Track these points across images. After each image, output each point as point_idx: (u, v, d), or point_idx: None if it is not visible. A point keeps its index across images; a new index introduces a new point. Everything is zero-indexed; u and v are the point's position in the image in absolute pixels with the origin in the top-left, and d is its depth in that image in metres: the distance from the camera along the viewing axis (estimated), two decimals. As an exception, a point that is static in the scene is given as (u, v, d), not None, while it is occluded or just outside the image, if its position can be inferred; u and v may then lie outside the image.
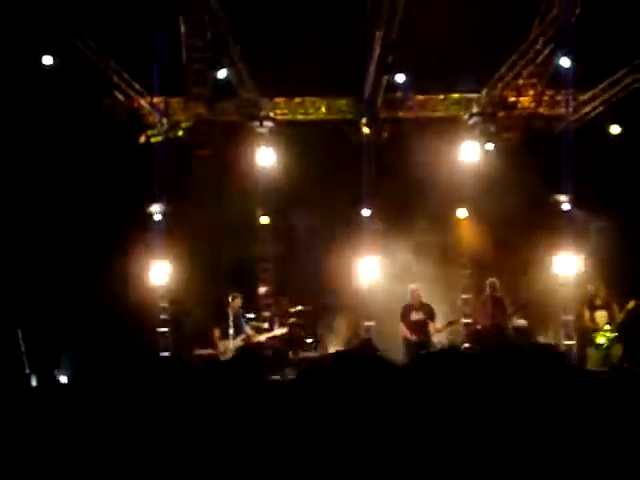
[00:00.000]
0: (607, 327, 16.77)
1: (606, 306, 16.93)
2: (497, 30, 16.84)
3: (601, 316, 16.88)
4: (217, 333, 16.96)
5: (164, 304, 19.02)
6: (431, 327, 17.25)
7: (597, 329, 16.84)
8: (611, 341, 16.62)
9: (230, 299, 16.96)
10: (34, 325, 16.74)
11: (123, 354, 16.35)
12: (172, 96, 19.18)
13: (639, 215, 18.25)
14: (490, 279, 18.08)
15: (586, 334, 17.30)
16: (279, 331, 17.68)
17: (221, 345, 16.75)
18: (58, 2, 15.89)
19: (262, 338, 17.31)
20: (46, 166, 17.69)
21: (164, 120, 19.05)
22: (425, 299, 17.63)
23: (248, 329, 17.30)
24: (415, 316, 17.29)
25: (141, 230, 18.52)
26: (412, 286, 17.63)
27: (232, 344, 16.67)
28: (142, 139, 18.65)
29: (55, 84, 17.08)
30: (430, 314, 17.34)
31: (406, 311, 17.39)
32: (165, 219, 18.83)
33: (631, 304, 16.38)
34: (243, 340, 16.94)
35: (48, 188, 17.73)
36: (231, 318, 16.74)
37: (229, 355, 16.63)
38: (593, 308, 17.10)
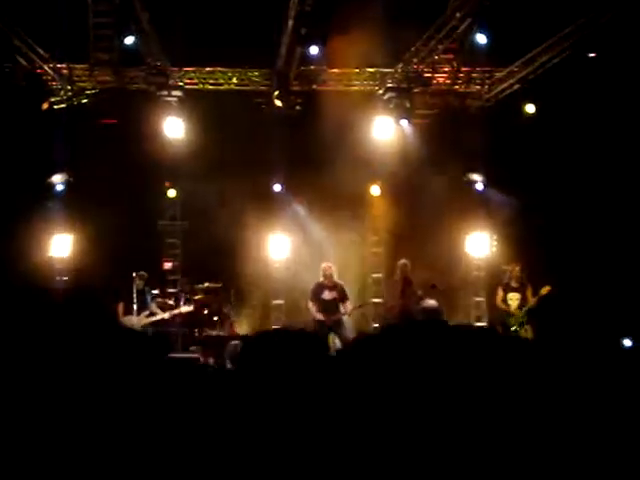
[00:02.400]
0: (518, 310, 16.61)
1: (520, 288, 16.76)
2: (414, 3, 16.55)
3: (514, 298, 16.71)
4: (121, 308, 16.53)
5: (64, 278, 18.40)
6: (341, 308, 16.77)
7: (508, 311, 16.69)
8: (520, 325, 16.47)
9: (134, 274, 16.52)
10: None
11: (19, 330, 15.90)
12: (77, 62, 18.47)
13: (554, 196, 18.15)
14: (402, 261, 17.73)
15: (498, 315, 17.17)
16: (184, 308, 17.25)
17: (125, 321, 16.28)
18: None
19: (166, 315, 16.87)
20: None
21: (68, 87, 18.36)
22: (337, 278, 17.20)
23: (153, 306, 16.91)
24: (327, 295, 16.74)
25: (41, 201, 17.91)
26: (325, 264, 17.05)
27: (136, 320, 16.27)
28: (45, 106, 17.91)
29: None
30: (342, 294, 16.78)
31: (317, 290, 16.74)
32: (67, 190, 18.23)
33: (544, 290, 16.24)
34: (147, 317, 16.53)
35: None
36: (135, 294, 16.34)
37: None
38: (507, 289, 16.94)
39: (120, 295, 16.62)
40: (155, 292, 17.70)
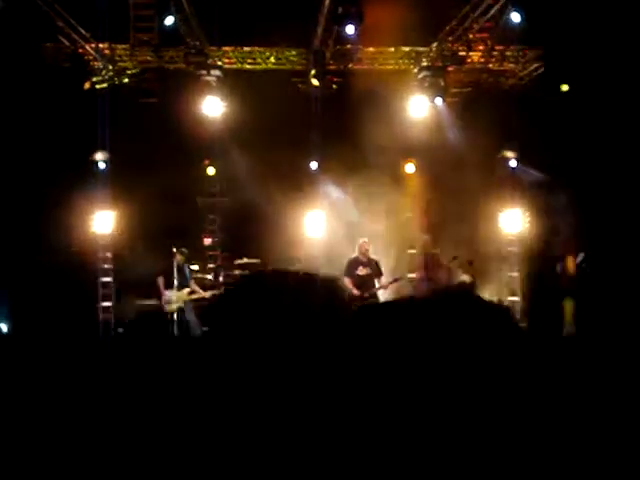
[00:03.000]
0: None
1: (560, 258, 16.93)
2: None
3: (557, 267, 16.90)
4: (161, 282, 16.85)
5: (107, 253, 18.82)
6: (377, 283, 17.02)
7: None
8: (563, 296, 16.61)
9: (174, 250, 16.84)
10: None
11: (64, 305, 16.35)
12: (118, 42, 18.82)
13: (586, 173, 18.28)
14: (423, 237, 18.16)
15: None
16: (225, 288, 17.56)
17: (166, 295, 16.64)
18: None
19: (207, 294, 17.18)
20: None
21: (109, 66, 18.70)
22: (372, 254, 17.45)
23: (193, 283, 17.20)
24: (362, 271, 16.98)
25: (85, 179, 18.29)
26: (361, 240, 17.29)
27: (176, 296, 16.60)
28: (87, 85, 18.29)
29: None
30: (377, 270, 17.01)
31: (352, 265, 16.99)
32: (109, 168, 18.59)
33: (580, 257, 16.42)
34: (189, 294, 16.84)
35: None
36: (175, 270, 16.65)
37: (173, 306, 16.56)
38: (549, 261, 17.17)
39: (161, 270, 16.89)
40: (195, 268, 18.01)
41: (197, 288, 17.10)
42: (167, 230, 17.73)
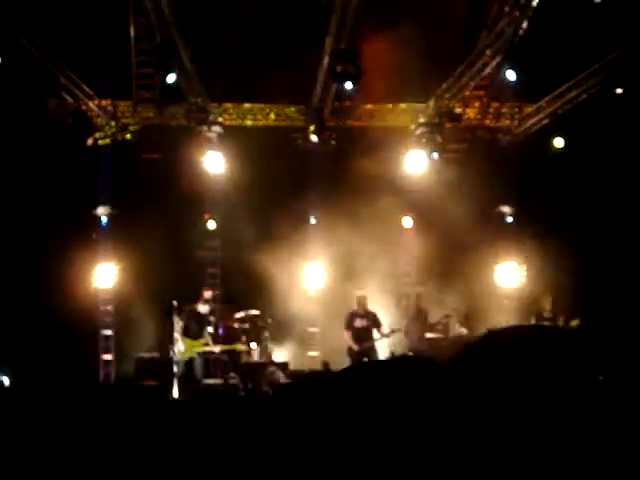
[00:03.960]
0: None
1: (552, 319, 17.05)
2: (445, 42, 17.07)
3: None
4: (180, 328, 16.82)
5: (108, 307, 18.95)
6: (376, 334, 17.19)
7: None
8: None
9: (205, 295, 17.10)
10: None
11: (65, 358, 16.42)
12: (121, 99, 19.12)
13: (583, 228, 18.49)
14: (416, 291, 18.72)
15: None
16: (240, 347, 17.68)
17: (181, 344, 16.64)
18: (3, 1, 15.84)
19: (217, 349, 17.32)
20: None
21: (112, 123, 18.97)
22: (370, 307, 17.64)
23: (207, 334, 17.28)
24: (359, 323, 17.21)
25: (87, 233, 18.48)
26: (359, 292, 17.59)
27: (190, 344, 16.64)
28: (90, 142, 18.54)
29: (0, 84, 16.95)
30: (374, 321, 17.26)
31: (350, 318, 17.28)
32: (111, 222, 18.78)
33: (575, 323, 16.52)
34: (206, 345, 16.89)
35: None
36: (191, 320, 16.76)
37: (187, 356, 16.59)
38: (539, 319, 17.27)
39: (173, 317, 16.88)
40: (211, 319, 18.20)
41: (210, 340, 17.16)
42: (168, 283, 17.88)
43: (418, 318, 18.57)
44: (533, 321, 17.45)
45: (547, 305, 17.25)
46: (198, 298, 17.38)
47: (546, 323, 16.99)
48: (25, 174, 17.71)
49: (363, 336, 17.12)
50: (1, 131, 17.48)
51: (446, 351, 18.07)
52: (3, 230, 17.65)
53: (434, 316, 19.08)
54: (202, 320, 17.09)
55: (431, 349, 18.10)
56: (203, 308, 17.13)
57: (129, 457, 3.87)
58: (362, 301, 17.40)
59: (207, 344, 16.94)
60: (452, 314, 18.73)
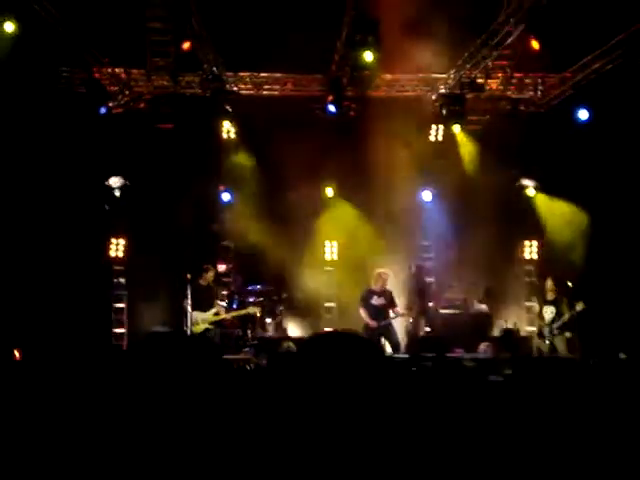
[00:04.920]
0: (552, 323, 16.59)
1: (555, 301, 16.75)
2: (469, 8, 16.65)
3: (549, 311, 16.73)
4: (189, 304, 16.64)
5: (121, 279, 18.76)
6: (390, 313, 16.92)
7: (542, 324, 16.76)
8: (553, 337, 16.48)
9: (204, 271, 16.74)
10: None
11: (76, 331, 16.26)
12: (134, 67, 18.79)
13: (606, 202, 18.13)
14: (416, 263, 18.62)
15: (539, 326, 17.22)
16: (251, 310, 17.37)
17: (194, 315, 16.44)
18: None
19: (229, 316, 17.06)
20: (2, 135, 17.31)
21: (125, 91, 18.66)
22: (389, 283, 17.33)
23: (218, 303, 17.08)
24: (376, 301, 16.92)
25: (100, 204, 18.26)
26: (380, 270, 17.22)
27: (202, 317, 16.45)
28: (102, 110, 18.20)
29: (15, 51, 16.70)
30: (390, 300, 17.02)
31: (367, 296, 16.99)
32: (124, 192, 18.52)
33: (579, 306, 16.17)
34: (214, 315, 16.68)
35: (3, 157, 17.35)
36: (198, 292, 16.54)
37: (201, 327, 16.41)
38: (543, 302, 17.04)
39: (185, 291, 16.66)
40: (224, 292, 17.98)
41: (221, 309, 16.95)
42: (181, 255, 17.66)
43: (418, 293, 18.21)
44: (537, 304, 17.36)
45: (550, 287, 16.90)
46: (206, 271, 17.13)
47: (548, 306, 16.72)
48: (36, 143, 17.46)
49: (380, 314, 16.86)
50: (13, 99, 17.28)
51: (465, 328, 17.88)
52: (15, 200, 17.44)
53: (455, 291, 18.83)
54: (210, 292, 16.78)
55: (446, 326, 17.87)
56: (206, 280, 16.80)
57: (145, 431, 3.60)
58: (382, 279, 17.06)
59: (218, 313, 16.68)
60: (471, 290, 18.41)
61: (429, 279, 18.78)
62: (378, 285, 16.96)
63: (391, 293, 17.09)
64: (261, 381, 3.93)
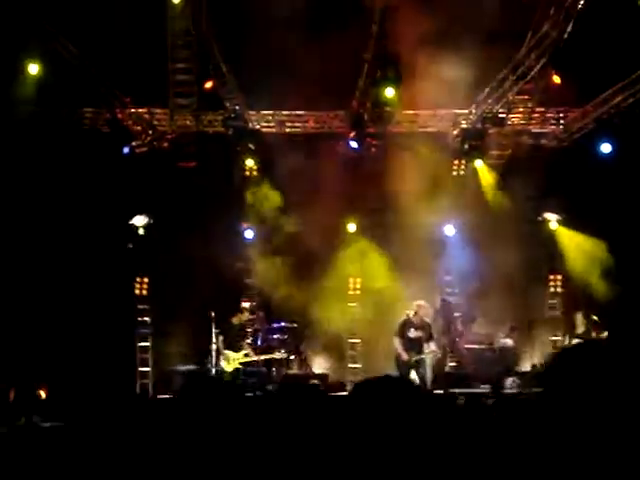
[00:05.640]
0: None
1: (583, 335, 16.78)
2: (489, 45, 16.73)
3: None
4: (221, 342, 16.68)
5: (146, 318, 18.79)
6: (425, 347, 16.68)
7: None
8: None
9: (240, 312, 17.10)
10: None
11: (101, 371, 16.29)
12: (158, 107, 18.93)
13: (631, 236, 18.11)
14: (442, 297, 18.73)
15: None
16: (279, 355, 17.41)
17: (225, 354, 16.47)
18: (42, 9, 15.78)
19: (261, 358, 17.15)
20: (29, 175, 17.45)
21: (149, 131, 18.77)
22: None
23: (246, 345, 17.11)
24: (413, 333, 16.62)
25: (123, 243, 18.31)
26: (419, 302, 16.86)
27: (233, 356, 16.47)
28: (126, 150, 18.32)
29: (39, 92, 16.90)
30: (428, 334, 16.62)
31: (404, 327, 16.57)
32: (148, 232, 18.57)
33: (605, 335, 16.29)
34: (245, 356, 16.71)
35: (29, 198, 17.48)
36: (229, 331, 16.60)
37: (232, 366, 16.43)
38: (572, 336, 17.08)
39: (212, 328, 16.72)
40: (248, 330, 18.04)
41: (250, 350, 16.99)
42: (206, 294, 17.69)
43: (444, 328, 18.14)
44: (566, 338, 17.53)
45: (580, 322, 16.93)
46: (236, 309, 17.20)
47: (578, 340, 16.65)
48: (62, 183, 17.60)
49: (415, 347, 16.44)
50: (39, 139, 17.44)
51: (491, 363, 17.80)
52: (42, 239, 17.55)
53: (480, 326, 18.76)
54: (241, 331, 16.87)
55: (473, 361, 17.79)
56: (240, 319, 16.93)
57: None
58: (421, 311, 16.75)
59: (248, 354, 16.72)
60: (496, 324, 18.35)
61: (456, 314, 18.66)
62: (417, 317, 16.73)
63: (430, 326, 16.77)
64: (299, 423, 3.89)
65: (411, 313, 16.61)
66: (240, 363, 16.55)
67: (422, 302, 16.84)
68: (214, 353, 16.56)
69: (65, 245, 17.58)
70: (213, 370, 16.39)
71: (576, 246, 19.28)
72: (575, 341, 16.78)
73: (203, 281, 17.96)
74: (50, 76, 16.68)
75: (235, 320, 16.70)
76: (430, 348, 16.50)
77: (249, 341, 17.76)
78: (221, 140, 19.05)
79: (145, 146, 18.70)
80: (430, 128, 19.49)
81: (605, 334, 16.41)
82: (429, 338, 16.56)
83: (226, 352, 16.35)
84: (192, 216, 18.20)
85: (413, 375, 16.00)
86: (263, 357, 17.21)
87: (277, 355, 17.40)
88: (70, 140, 17.90)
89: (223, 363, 16.32)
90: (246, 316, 17.04)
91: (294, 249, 18.57)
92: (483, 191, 19.27)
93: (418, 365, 16.26)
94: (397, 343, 16.46)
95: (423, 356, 16.43)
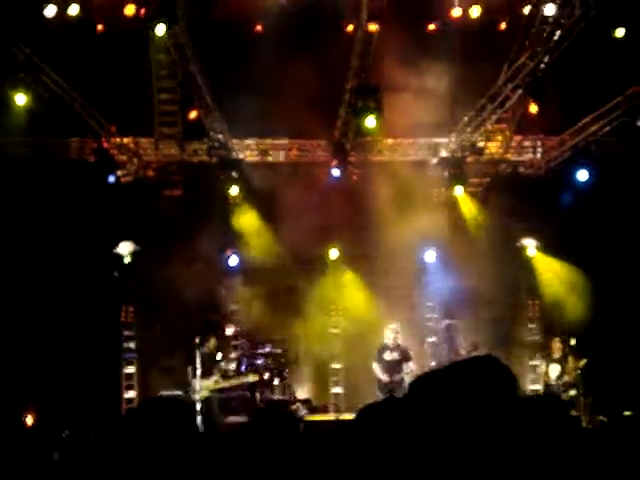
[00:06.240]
0: (556, 381, 16.92)
1: (561, 360, 17.07)
2: (466, 75, 17.11)
3: (554, 369, 17.06)
4: (190, 371, 16.80)
5: (131, 344, 18.93)
6: (405, 367, 17.13)
7: (548, 382, 17.05)
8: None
9: (210, 336, 16.94)
10: None
11: (87, 397, 16.41)
12: (143, 136, 19.17)
13: (608, 264, 18.37)
14: (448, 322, 18.76)
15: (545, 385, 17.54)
16: (251, 378, 17.48)
17: (195, 384, 16.57)
18: (29, 40, 16.04)
19: (227, 384, 17.16)
20: (15, 204, 17.61)
21: (134, 160, 18.99)
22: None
23: (220, 370, 17.17)
24: (389, 355, 17.17)
25: (109, 271, 18.47)
26: (391, 326, 17.54)
27: (203, 384, 16.55)
28: (111, 179, 18.46)
29: (25, 122, 17.08)
30: (404, 355, 17.25)
31: (380, 351, 17.31)
32: (134, 260, 18.73)
33: (582, 363, 16.62)
34: (215, 382, 16.78)
35: (16, 227, 17.62)
36: (204, 357, 16.67)
37: (202, 394, 16.51)
38: (548, 361, 17.43)
39: (188, 359, 16.85)
40: (218, 357, 18.07)
41: (219, 377, 17.07)
42: (191, 320, 17.86)
43: (449, 353, 18.42)
44: (543, 363, 17.84)
45: (556, 346, 17.22)
46: (219, 335, 17.37)
47: (554, 364, 17.23)
48: (48, 212, 17.75)
49: (392, 369, 17.08)
50: (25, 169, 17.60)
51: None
52: (27, 267, 17.69)
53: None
54: (212, 358, 16.94)
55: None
56: (209, 347, 16.99)
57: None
58: (393, 333, 17.40)
59: (217, 381, 16.80)
60: (478, 345, 18.51)
61: (459, 339, 18.81)
62: (390, 340, 17.23)
63: (406, 348, 17.32)
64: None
65: (389, 337, 17.10)
66: (211, 391, 16.55)
67: (393, 325, 17.44)
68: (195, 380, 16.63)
69: (51, 273, 17.71)
70: (195, 397, 16.41)
71: (553, 272, 19.54)
72: (552, 366, 17.11)
73: (188, 308, 18.12)
74: (37, 106, 16.84)
75: (205, 349, 16.77)
76: (409, 368, 16.93)
77: (231, 366, 17.89)
78: (205, 169, 19.31)
79: (130, 175, 18.91)
80: (410, 157, 19.78)
81: (583, 361, 16.68)
82: (407, 359, 17.09)
83: (194, 381, 16.36)
84: (177, 243, 18.36)
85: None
86: (233, 382, 17.24)
87: (250, 378, 17.41)
88: (56, 169, 18.09)
89: (193, 394, 16.32)
90: (213, 344, 17.01)
91: (277, 275, 18.77)
92: (463, 218, 19.51)
93: (398, 387, 16.65)
94: (376, 368, 17.20)
95: (403, 375, 16.95)
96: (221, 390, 16.90)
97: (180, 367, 17.50)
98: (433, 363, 18.16)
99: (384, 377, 16.95)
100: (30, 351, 17.28)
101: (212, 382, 16.62)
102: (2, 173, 17.45)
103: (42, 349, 17.39)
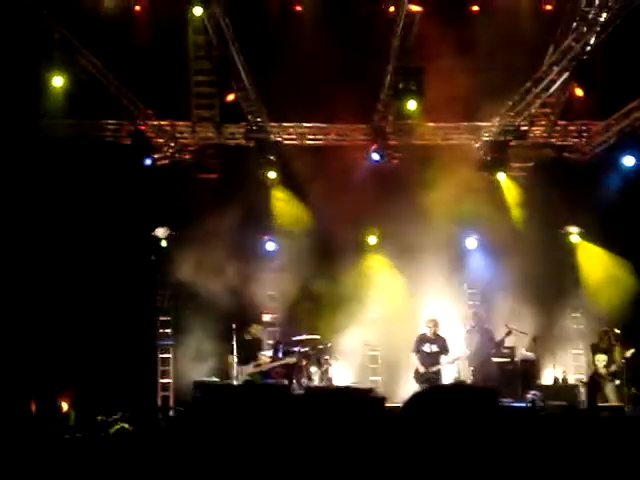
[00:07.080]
0: (605, 371, 16.63)
1: (608, 349, 16.74)
2: (510, 58, 16.72)
3: (601, 359, 16.76)
4: (230, 359, 16.77)
5: (167, 330, 18.81)
6: (441, 359, 16.96)
7: (597, 372, 16.79)
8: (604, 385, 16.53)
9: (254, 326, 17.18)
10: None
11: (123, 382, 16.36)
12: (179, 119, 19.00)
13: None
14: (474, 310, 18.43)
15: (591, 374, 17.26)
16: (288, 359, 17.40)
17: (236, 369, 16.53)
18: (66, 22, 15.92)
19: (269, 366, 17.11)
20: (52, 188, 17.54)
21: (171, 143, 18.85)
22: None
23: (262, 356, 17.16)
24: (428, 347, 16.99)
25: (146, 255, 18.36)
26: (430, 317, 17.41)
27: (244, 369, 16.52)
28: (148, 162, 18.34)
29: (63, 104, 17.01)
30: (443, 347, 17.07)
31: (419, 342, 17.09)
32: (170, 243, 18.61)
33: (629, 352, 16.32)
34: (255, 366, 16.74)
35: (53, 211, 17.55)
36: (240, 345, 16.61)
37: (242, 380, 16.49)
38: (595, 351, 17.08)
39: (230, 344, 16.80)
40: (269, 342, 18.07)
41: (262, 359, 17.03)
42: (228, 305, 17.72)
43: (482, 340, 18.08)
44: (589, 352, 17.58)
45: (602, 336, 16.92)
46: (257, 321, 17.29)
47: (601, 355, 16.89)
48: (85, 195, 17.67)
49: (430, 361, 16.93)
50: (62, 152, 17.52)
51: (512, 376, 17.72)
52: (64, 251, 17.61)
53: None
54: (252, 345, 16.88)
55: (499, 374, 17.71)
56: (251, 334, 16.95)
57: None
58: (433, 325, 17.15)
59: (258, 365, 16.74)
60: (513, 331, 18.17)
61: (487, 325, 18.49)
62: (430, 332, 17.00)
63: (444, 340, 17.11)
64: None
65: (428, 329, 17.07)
66: (250, 375, 16.54)
67: (432, 317, 17.30)
68: (235, 366, 16.61)
69: (87, 257, 17.62)
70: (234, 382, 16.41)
71: (597, 260, 19.19)
72: (599, 355, 16.79)
73: (225, 293, 17.95)
74: (74, 88, 16.75)
75: (247, 335, 16.73)
76: (447, 360, 16.92)
77: (268, 353, 17.74)
78: (243, 152, 19.11)
79: (167, 158, 18.81)
80: (452, 141, 19.47)
81: (630, 351, 16.36)
82: (445, 351, 17.03)
83: (235, 368, 16.39)
84: (214, 228, 18.18)
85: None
86: (274, 364, 17.19)
87: (289, 360, 17.33)
88: (92, 152, 17.99)
89: (231, 380, 16.36)
90: (258, 329, 17.03)
91: (315, 261, 18.54)
92: (505, 204, 19.19)
93: (434, 378, 16.53)
94: (414, 358, 17.07)
95: (439, 367, 16.91)
96: (264, 374, 16.83)
97: (218, 351, 17.43)
98: (467, 351, 17.81)
99: (421, 368, 16.84)
100: (66, 336, 17.21)
101: (251, 367, 16.59)
102: (40, 155, 17.36)
103: (78, 335, 17.30)
